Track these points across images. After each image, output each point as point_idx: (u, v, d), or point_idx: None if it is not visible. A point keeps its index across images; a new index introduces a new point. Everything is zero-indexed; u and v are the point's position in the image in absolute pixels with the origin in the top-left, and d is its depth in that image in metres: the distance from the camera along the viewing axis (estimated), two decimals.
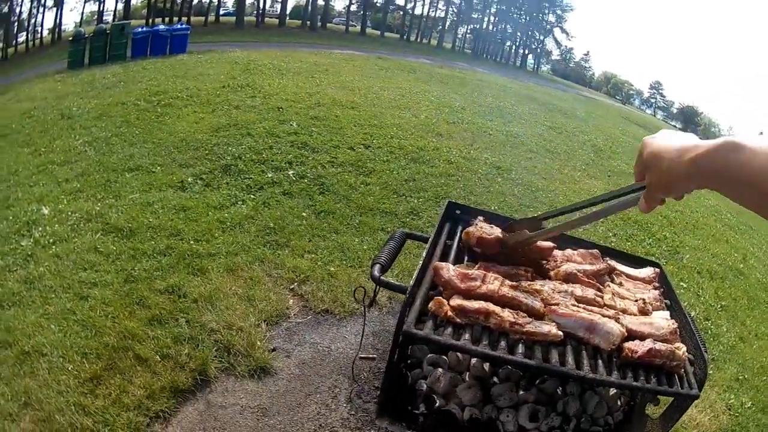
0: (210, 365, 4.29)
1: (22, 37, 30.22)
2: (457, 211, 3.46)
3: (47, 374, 4.01)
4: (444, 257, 2.89)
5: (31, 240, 6.05)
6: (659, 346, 2.42)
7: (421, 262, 2.64)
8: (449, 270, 2.54)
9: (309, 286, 5.54)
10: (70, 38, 22.25)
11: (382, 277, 2.72)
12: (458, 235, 3.12)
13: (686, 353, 2.53)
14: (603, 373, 2.32)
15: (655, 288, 3.06)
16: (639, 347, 2.41)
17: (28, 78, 19.52)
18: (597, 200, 2.10)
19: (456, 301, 2.43)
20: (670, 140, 1.33)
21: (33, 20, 30.49)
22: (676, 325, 2.62)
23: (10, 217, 6.68)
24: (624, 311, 2.68)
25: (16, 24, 29.96)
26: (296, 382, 4.34)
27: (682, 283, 7.73)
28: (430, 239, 2.91)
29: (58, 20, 31.43)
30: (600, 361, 2.39)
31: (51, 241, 6.02)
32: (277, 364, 4.48)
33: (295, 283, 5.57)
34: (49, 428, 3.59)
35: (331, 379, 4.41)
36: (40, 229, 6.27)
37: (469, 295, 2.48)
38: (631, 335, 2.50)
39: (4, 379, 3.99)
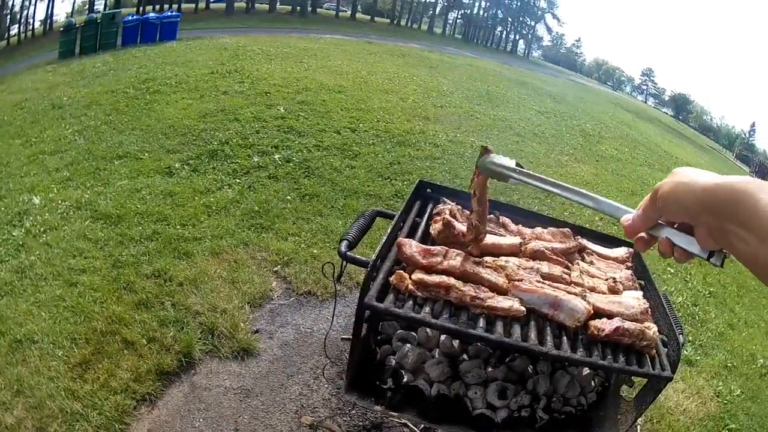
0: (195, 347, 4.34)
1: (14, 30, 30.03)
2: (428, 190, 3.44)
3: (38, 361, 4.06)
4: (411, 235, 2.89)
5: (23, 230, 6.08)
6: (627, 324, 2.40)
7: (385, 237, 2.63)
8: (411, 246, 2.53)
9: (292, 268, 5.58)
10: (61, 28, 22.10)
11: (348, 253, 2.72)
12: (427, 213, 3.13)
13: (657, 333, 2.49)
14: (567, 350, 2.31)
15: (628, 268, 3.03)
16: (606, 325, 2.39)
17: (19, 70, 19.39)
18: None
19: (417, 275, 2.43)
20: (694, 174, 1.22)
21: (25, 12, 30.28)
22: (647, 305, 2.60)
23: (2, 208, 6.72)
24: (592, 289, 2.66)
25: (8, 17, 29.77)
26: (279, 363, 4.39)
27: (669, 269, 7.75)
28: (396, 216, 2.91)
29: (49, 11, 31.23)
30: (565, 338, 2.37)
31: (42, 230, 6.05)
32: (260, 346, 4.53)
33: (279, 266, 5.61)
34: (40, 414, 3.63)
35: (312, 360, 4.47)
36: (31, 218, 6.31)
37: (430, 270, 2.48)
38: (599, 313, 2.49)
39: None
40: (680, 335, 2.53)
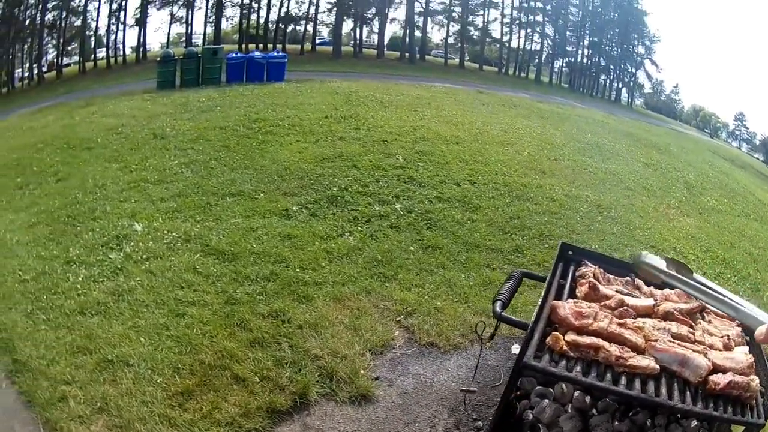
0: (311, 389, 4.39)
1: (101, 53, 31.20)
2: (570, 252, 3.74)
3: (131, 384, 4.21)
4: (558, 296, 3.15)
5: (122, 253, 6.33)
6: (738, 378, 2.70)
7: (539, 300, 2.92)
8: (566, 308, 2.84)
9: (415, 318, 5.61)
10: (158, 58, 22.82)
11: (503, 313, 2.91)
12: (570, 275, 3.42)
13: (759, 385, 2.77)
14: (689, 404, 2.62)
15: (738, 325, 3.29)
16: (721, 380, 2.69)
17: (112, 94, 20.22)
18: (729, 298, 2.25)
19: (571, 336, 2.74)
20: None
21: (113, 37, 31.43)
22: (752, 359, 2.88)
23: (97, 229, 7.03)
24: (711, 347, 2.96)
25: (93, 39, 30.94)
26: (396, 411, 4.41)
27: None
28: (547, 279, 3.13)
29: (141, 39, 32.37)
30: (688, 393, 2.68)
31: (144, 256, 6.28)
32: (379, 393, 4.55)
33: (402, 316, 5.66)
34: None
35: (431, 410, 4.46)
36: (132, 244, 6.56)
37: (582, 331, 2.78)
38: (716, 369, 2.78)
39: (78, 383, 4.21)
40: None
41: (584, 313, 2.85)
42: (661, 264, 2.71)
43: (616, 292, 3.27)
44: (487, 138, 14.57)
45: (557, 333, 2.74)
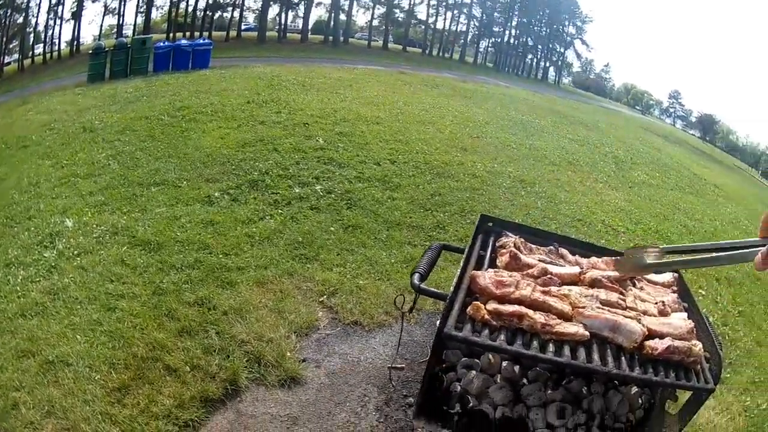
0: (240, 375, 4.39)
1: (38, 49, 30.45)
2: (489, 224, 3.67)
3: (72, 383, 4.14)
4: (478, 267, 3.01)
5: (55, 251, 6.20)
6: (677, 343, 2.66)
7: (458, 270, 2.81)
8: (485, 277, 2.69)
9: (338, 298, 5.65)
10: (90, 51, 22.30)
11: (422, 285, 2.85)
12: (490, 246, 3.32)
13: (702, 350, 2.73)
14: (626, 369, 2.55)
15: (674, 291, 3.30)
16: (659, 345, 2.64)
17: (46, 90, 19.77)
18: (716, 247, 2.22)
19: (492, 305, 2.62)
20: None
21: (50, 32, 30.70)
22: (692, 325, 2.86)
23: (32, 228, 6.87)
24: (645, 313, 2.92)
25: (32, 36, 30.20)
26: (326, 392, 4.44)
27: (700, 290, 7.77)
28: (465, 250, 3.06)
29: (76, 33, 31.64)
30: (623, 358, 2.61)
31: (75, 252, 6.16)
32: (307, 374, 4.58)
33: (325, 296, 5.69)
34: None
35: (360, 388, 4.50)
36: (64, 240, 6.43)
37: (503, 300, 2.68)
38: (652, 334, 2.73)
39: (26, 388, 4.12)
40: (720, 351, 2.82)
41: (505, 282, 2.79)
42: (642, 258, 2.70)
43: (539, 261, 3.24)
44: (408, 118, 14.63)
45: (478, 302, 2.68)
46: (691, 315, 3.07)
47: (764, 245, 1.47)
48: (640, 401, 3.15)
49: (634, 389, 3.12)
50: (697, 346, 2.71)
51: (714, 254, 2.17)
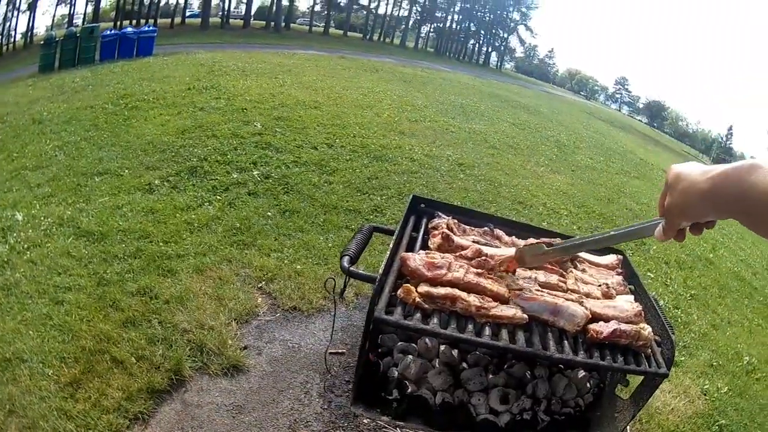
0: (184, 365, 4.30)
1: None
2: (422, 205, 3.52)
3: (29, 380, 4.01)
4: (410, 249, 2.94)
5: (7, 246, 5.99)
6: (624, 326, 2.53)
7: (388, 252, 2.70)
8: (416, 259, 2.60)
9: (276, 284, 5.57)
10: (42, 42, 21.96)
11: (351, 268, 2.78)
12: (422, 227, 3.20)
13: (652, 334, 2.62)
14: (569, 353, 2.42)
15: (618, 274, 3.16)
16: (604, 328, 2.51)
17: (1, 82, 19.30)
18: (617, 230, 2.16)
19: (423, 288, 2.50)
20: (698, 166, 1.29)
21: (7, 24, 30.04)
22: (640, 308, 2.73)
23: None
24: (588, 295, 2.78)
25: None
26: (269, 379, 4.38)
27: (649, 273, 7.87)
28: (396, 231, 2.98)
29: (30, 24, 31.01)
30: (566, 343, 2.48)
31: (25, 246, 5.97)
32: (249, 362, 4.51)
33: (263, 282, 5.61)
34: None
35: (302, 375, 4.46)
36: (15, 235, 6.22)
37: (435, 282, 2.55)
38: (596, 318, 2.61)
39: None
40: (672, 335, 2.66)
41: (437, 264, 2.62)
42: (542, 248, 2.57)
43: (473, 242, 3.04)
44: (346, 102, 14.58)
45: (408, 285, 2.52)
46: (638, 298, 2.95)
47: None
48: (588, 385, 3.07)
49: (582, 373, 3.01)
50: (646, 329, 2.62)
51: (612, 232, 2.12)
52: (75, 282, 5.30)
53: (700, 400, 5.28)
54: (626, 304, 2.75)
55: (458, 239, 2.93)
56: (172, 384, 4.17)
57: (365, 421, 4.07)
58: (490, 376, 2.92)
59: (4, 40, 29.84)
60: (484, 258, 2.75)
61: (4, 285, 5.25)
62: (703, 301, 7.72)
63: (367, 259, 5.85)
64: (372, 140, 10.95)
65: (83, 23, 30.44)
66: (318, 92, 15.16)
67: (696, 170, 1.26)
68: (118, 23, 32.31)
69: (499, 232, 3.29)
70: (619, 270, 3.21)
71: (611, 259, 3.28)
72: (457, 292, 2.48)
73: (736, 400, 5.52)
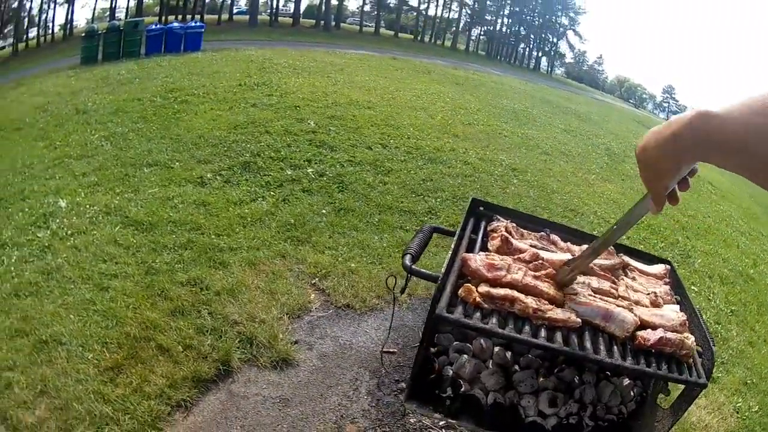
0: (233, 356, 4.35)
1: (32, 33, 30.43)
2: (481, 208, 3.60)
3: (65, 363, 4.09)
4: (470, 250, 2.97)
5: (48, 231, 6.13)
6: (670, 335, 2.57)
7: (449, 253, 2.75)
8: (477, 260, 2.65)
9: (330, 281, 5.61)
10: (83, 34, 22.31)
11: (413, 266, 2.81)
12: (482, 229, 3.26)
13: (694, 344, 2.66)
14: (618, 359, 2.45)
15: (666, 283, 3.20)
16: (651, 335, 2.55)
17: (40, 73, 19.73)
18: (618, 223, 2.24)
19: (484, 288, 2.54)
20: (652, 131, 1.36)
21: (44, 16, 30.67)
22: (685, 317, 2.77)
23: (26, 209, 6.79)
24: (637, 303, 2.81)
25: (26, 19, 30.16)
26: (318, 374, 4.41)
27: (693, 287, 7.76)
28: (456, 233, 3.03)
29: (69, 16, 31.60)
30: (615, 348, 2.52)
31: (69, 233, 6.10)
32: (299, 356, 4.54)
33: (317, 278, 5.65)
34: (66, 416, 3.65)
35: (352, 372, 4.48)
36: (57, 221, 6.36)
37: (495, 283, 2.59)
38: (644, 325, 2.64)
39: (19, 367, 4.07)
40: (713, 346, 2.71)
41: (497, 266, 2.68)
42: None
43: (530, 246, 3.11)
44: (399, 103, 14.60)
45: (470, 285, 2.58)
46: (684, 308, 2.98)
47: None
48: (632, 393, 3.09)
49: (626, 381, 3.06)
50: (690, 339, 2.65)
51: (614, 226, 2.20)
52: (122, 269, 5.40)
53: (732, 418, 5.21)
54: (672, 313, 2.80)
55: (516, 242, 3.00)
56: (218, 374, 4.22)
57: (412, 420, 4.09)
58: (541, 379, 2.99)
59: (41, 32, 30.46)
60: (540, 262, 2.81)
61: (44, 269, 5.38)
62: (742, 317, 7.60)
63: (421, 260, 5.82)
64: (426, 142, 10.97)
65: (126, 17, 30.92)
66: (371, 92, 15.23)
67: (652, 136, 1.35)
68: (163, 18, 32.74)
69: (554, 237, 3.35)
70: (667, 279, 3.26)
71: (660, 268, 3.34)
72: (515, 293, 2.55)
73: (766, 420, 5.45)
